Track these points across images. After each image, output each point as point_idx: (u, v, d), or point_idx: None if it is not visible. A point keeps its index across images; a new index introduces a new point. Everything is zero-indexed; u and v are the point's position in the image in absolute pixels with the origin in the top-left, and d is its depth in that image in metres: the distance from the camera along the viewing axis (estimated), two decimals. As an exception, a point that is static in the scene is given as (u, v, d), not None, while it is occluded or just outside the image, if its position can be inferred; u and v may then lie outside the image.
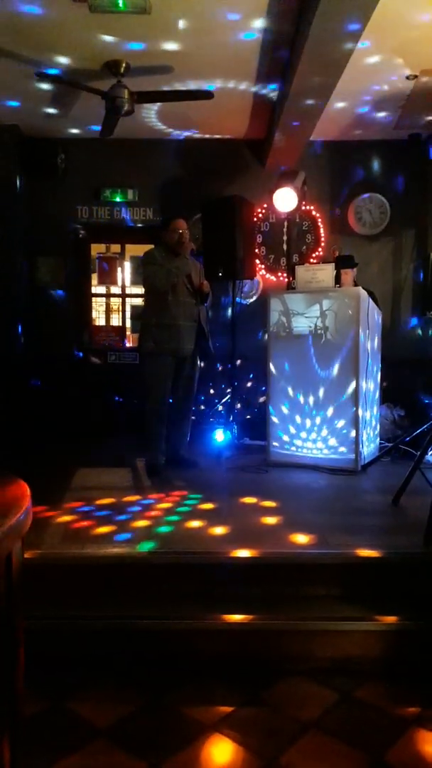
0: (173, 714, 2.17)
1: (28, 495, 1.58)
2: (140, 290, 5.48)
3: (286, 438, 4.83)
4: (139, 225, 6.73)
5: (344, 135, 6.48)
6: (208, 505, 3.65)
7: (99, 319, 7.71)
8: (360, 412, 4.49)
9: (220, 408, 6.26)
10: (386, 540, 3.01)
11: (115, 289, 7.72)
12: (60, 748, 1.98)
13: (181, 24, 4.35)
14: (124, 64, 4.89)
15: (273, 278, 6.66)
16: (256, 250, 6.53)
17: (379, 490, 4.04)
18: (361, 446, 4.52)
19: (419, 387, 6.08)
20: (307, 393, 4.69)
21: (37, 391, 6.37)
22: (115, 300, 7.80)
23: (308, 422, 4.69)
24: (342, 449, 4.56)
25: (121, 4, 4.02)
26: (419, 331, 6.67)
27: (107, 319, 7.89)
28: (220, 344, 5.58)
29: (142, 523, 3.29)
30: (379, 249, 6.70)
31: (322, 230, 6.63)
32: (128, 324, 7.50)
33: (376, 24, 3.93)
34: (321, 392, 4.62)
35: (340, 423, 4.55)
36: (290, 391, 4.77)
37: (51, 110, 5.83)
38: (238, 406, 6.07)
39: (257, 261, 6.53)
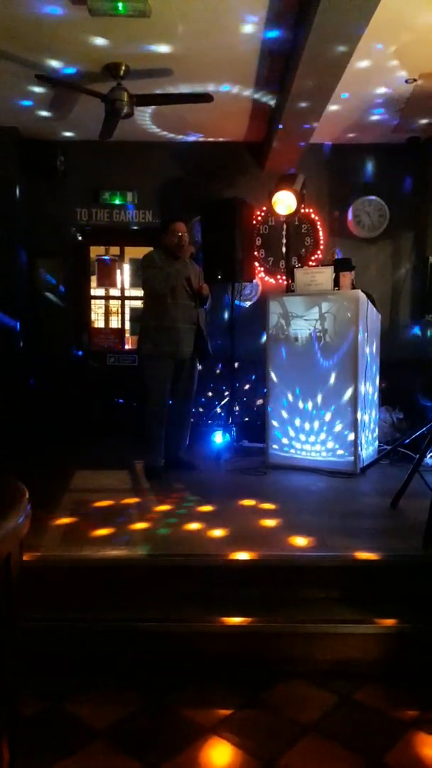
0: (172, 716, 2.17)
1: (27, 497, 1.58)
2: (139, 293, 5.49)
3: (285, 440, 4.83)
4: (138, 227, 6.72)
5: (343, 138, 6.49)
6: (207, 507, 3.65)
7: (98, 321, 7.72)
8: (359, 414, 4.50)
9: (219, 410, 6.27)
10: (385, 543, 3.01)
11: (115, 292, 7.73)
12: (59, 749, 1.98)
13: (181, 27, 4.36)
14: (123, 67, 4.89)
15: (272, 281, 6.66)
16: (255, 253, 6.53)
17: (377, 493, 4.04)
18: (360, 449, 4.53)
19: (418, 389, 6.08)
20: (306, 395, 4.69)
21: (36, 391, 6.38)
22: (115, 302, 7.82)
23: (307, 425, 4.70)
24: (341, 452, 4.56)
25: (120, 8, 4.03)
26: (418, 334, 6.68)
27: (106, 321, 7.90)
28: (219, 347, 5.59)
29: (141, 526, 3.29)
30: (377, 252, 6.71)
31: (321, 233, 6.64)
32: (127, 326, 7.51)
33: (376, 27, 3.94)
34: (320, 395, 4.63)
35: (339, 425, 4.55)
36: (289, 393, 4.78)
37: (50, 112, 5.84)
38: (237, 408, 6.07)
39: (256, 263, 6.54)
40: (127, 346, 7.21)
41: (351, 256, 5.84)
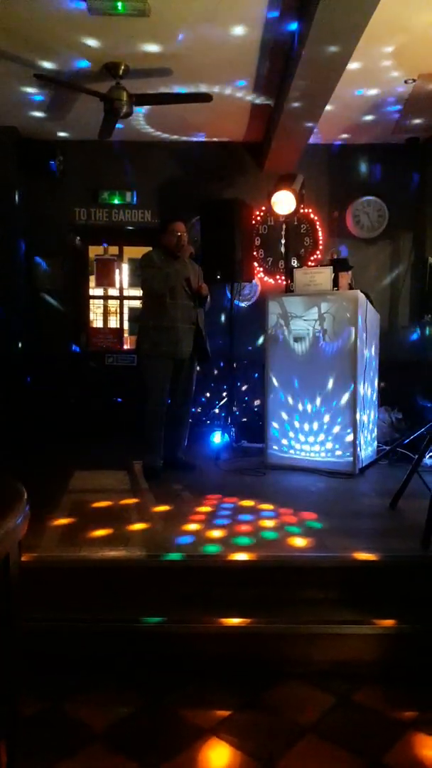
0: (172, 717, 2.17)
1: (25, 498, 1.58)
2: (138, 293, 5.48)
3: (284, 441, 4.83)
4: (137, 227, 6.72)
5: (343, 138, 6.49)
6: (206, 508, 3.65)
7: (97, 321, 7.71)
8: (358, 415, 4.50)
9: (218, 410, 6.26)
10: (384, 543, 3.01)
11: (113, 292, 7.72)
12: (58, 750, 1.98)
13: (180, 27, 4.36)
14: (122, 67, 4.89)
15: (271, 281, 6.66)
16: (255, 253, 6.53)
17: (376, 493, 4.04)
18: (359, 449, 4.53)
19: (417, 390, 6.08)
20: (305, 396, 4.69)
21: (34, 391, 6.37)
22: (113, 302, 7.81)
23: (306, 425, 4.70)
24: (340, 452, 4.56)
25: (120, 7, 4.02)
26: (417, 334, 6.68)
27: (105, 321, 7.90)
28: (218, 347, 5.58)
29: (139, 526, 3.29)
30: (376, 252, 6.71)
31: (320, 233, 6.63)
32: (126, 326, 7.50)
33: (374, 28, 3.93)
34: (319, 395, 4.62)
35: (338, 426, 4.55)
36: (288, 394, 4.78)
37: (49, 112, 5.83)
38: (236, 408, 6.07)
39: (255, 264, 6.54)
40: (125, 346, 7.20)
41: (350, 256, 5.85)
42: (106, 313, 7.90)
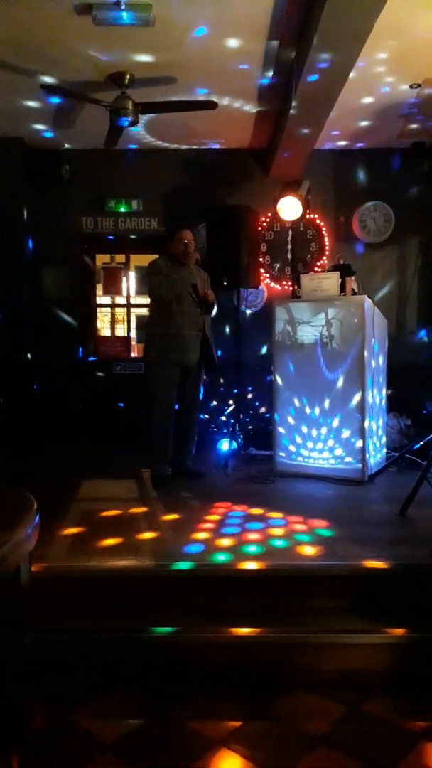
0: (182, 728, 2.15)
1: (35, 508, 1.58)
2: (145, 300, 5.49)
3: (292, 448, 4.81)
4: (144, 235, 6.73)
5: (348, 143, 6.50)
6: (215, 516, 3.64)
7: (104, 329, 7.73)
8: (366, 421, 4.48)
9: (225, 418, 6.26)
10: (394, 551, 2.99)
11: (120, 300, 7.74)
12: (69, 760, 1.97)
13: (185, 36, 4.38)
14: (128, 76, 4.92)
15: (278, 287, 6.66)
16: (261, 259, 6.54)
17: (386, 501, 4.02)
18: (367, 456, 4.50)
19: (425, 395, 6.06)
20: (313, 402, 4.68)
21: (42, 400, 6.39)
22: (120, 310, 7.83)
23: (314, 432, 4.68)
24: (348, 459, 4.54)
25: (125, 17, 4.05)
26: (425, 339, 6.66)
27: (112, 329, 7.92)
28: (225, 354, 5.58)
29: (149, 535, 3.29)
30: (383, 257, 6.71)
31: (326, 238, 6.63)
32: (133, 334, 7.52)
33: (378, 33, 3.95)
34: (327, 401, 4.61)
35: (347, 433, 4.53)
36: (296, 400, 4.76)
37: (55, 122, 5.87)
38: (243, 416, 6.06)
39: (262, 270, 6.55)
40: (133, 354, 7.21)
41: (357, 261, 5.84)
42: (113, 321, 7.93)
